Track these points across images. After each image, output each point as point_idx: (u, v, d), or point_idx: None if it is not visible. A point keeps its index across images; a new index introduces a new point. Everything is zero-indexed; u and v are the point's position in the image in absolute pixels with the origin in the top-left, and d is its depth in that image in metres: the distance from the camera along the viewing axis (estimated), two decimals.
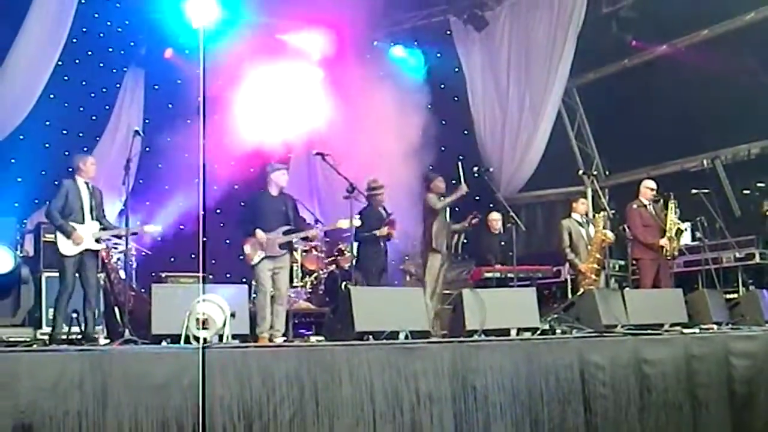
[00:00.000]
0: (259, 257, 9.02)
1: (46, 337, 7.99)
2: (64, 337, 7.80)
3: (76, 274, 8.26)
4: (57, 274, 8.89)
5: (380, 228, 9.79)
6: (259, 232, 9.00)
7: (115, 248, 10.75)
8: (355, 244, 9.90)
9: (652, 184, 10.88)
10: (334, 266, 12.05)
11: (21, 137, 11.86)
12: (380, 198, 10.07)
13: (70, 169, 8.68)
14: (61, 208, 8.43)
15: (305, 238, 10.13)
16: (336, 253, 12.15)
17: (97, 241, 8.45)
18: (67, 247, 8.28)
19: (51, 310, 8.53)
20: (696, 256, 11.39)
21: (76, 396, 5.03)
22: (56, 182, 12.53)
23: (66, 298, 8.18)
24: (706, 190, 10.93)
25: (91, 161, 8.70)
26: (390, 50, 15.31)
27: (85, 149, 12.85)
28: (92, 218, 8.49)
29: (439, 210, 10.24)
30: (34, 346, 7.06)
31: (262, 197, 9.35)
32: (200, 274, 10.00)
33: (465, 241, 13.96)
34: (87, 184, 8.62)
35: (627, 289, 9.84)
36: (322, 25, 13.76)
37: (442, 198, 10.33)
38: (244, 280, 10.37)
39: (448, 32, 14.93)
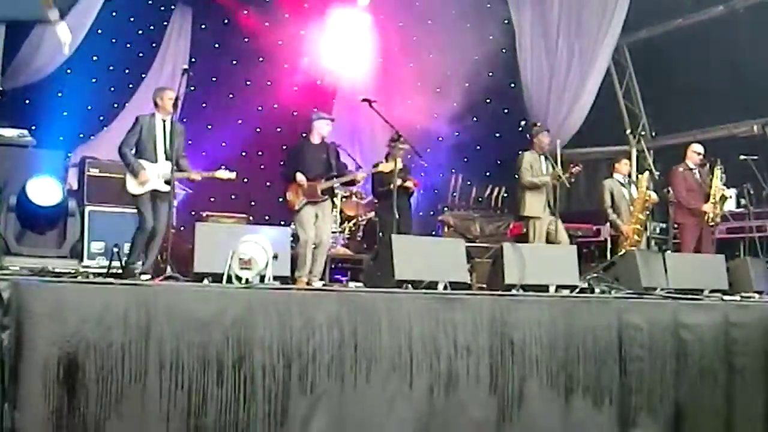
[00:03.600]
0: (302, 203, 9.08)
1: (89, 270, 8.11)
2: (110, 270, 7.91)
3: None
4: (100, 208, 9.04)
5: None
6: (299, 176, 9.06)
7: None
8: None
9: (699, 148, 10.76)
10: (373, 213, 12.09)
11: (68, 71, 11.93)
12: (396, 153, 9.71)
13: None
14: (133, 145, 8.32)
15: (349, 183, 9.99)
16: (376, 200, 12.18)
17: (167, 182, 8.23)
18: (133, 185, 8.23)
19: (94, 244, 8.67)
20: (740, 223, 11.27)
21: (120, 328, 5.10)
22: (101, 117, 12.86)
23: (141, 234, 8.17)
24: (755, 157, 10.76)
25: (170, 95, 8.44)
26: None
27: (131, 86, 13.08)
28: (166, 158, 8.32)
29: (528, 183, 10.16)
30: (79, 278, 7.18)
31: (304, 144, 9.39)
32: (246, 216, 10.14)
33: (505, 194, 13.95)
34: (164, 121, 8.44)
35: (668, 252, 9.77)
36: None
37: (539, 158, 10.20)
38: (282, 223, 10.48)
39: None
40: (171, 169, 8.05)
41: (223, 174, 8.76)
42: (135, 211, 8.43)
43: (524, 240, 10.14)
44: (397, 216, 8.96)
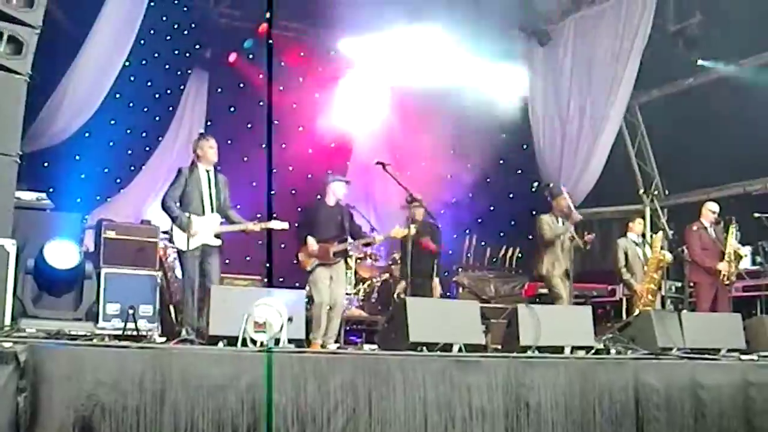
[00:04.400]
0: (314, 264, 9.10)
1: (104, 332, 8.11)
2: (125, 333, 7.92)
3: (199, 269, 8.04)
4: (116, 270, 9.07)
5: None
6: (310, 240, 9.07)
7: (172, 247, 10.92)
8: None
9: (714, 206, 10.75)
10: (387, 275, 12.10)
11: (87, 134, 12.08)
12: (414, 213, 9.80)
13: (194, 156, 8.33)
14: (177, 197, 8.08)
15: (365, 245, 9.94)
16: (390, 262, 12.21)
17: (217, 236, 8.14)
18: (182, 240, 7.98)
19: (110, 305, 8.66)
20: (756, 281, 11.23)
21: (135, 392, 5.10)
22: (118, 179, 12.99)
23: (191, 295, 7.95)
24: None
25: (210, 145, 8.29)
26: None
27: (147, 149, 13.22)
28: (212, 210, 8.18)
29: (551, 237, 10.20)
30: (95, 340, 7.19)
31: (319, 206, 9.43)
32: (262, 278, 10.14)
33: (519, 254, 13.94)
34: (208, 171, 8.29)
35: (684, 311, 9.72)
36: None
37: (557, 220, 10.27)
38: (297, 285, 10.48)
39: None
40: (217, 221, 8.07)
41: (277, 224, 8.52)
42: (150, 273, 8.44)
43: (543, 300, 10.13)
44: (409, 277, 9.00)
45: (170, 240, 8.27)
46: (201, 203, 8.14)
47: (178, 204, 8.11)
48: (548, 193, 10.73)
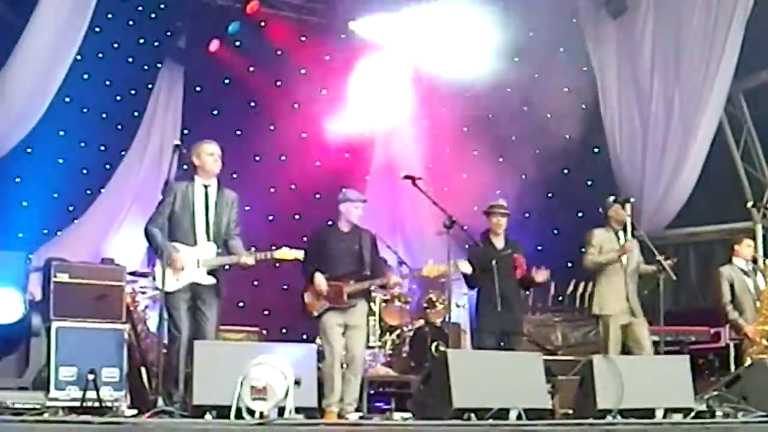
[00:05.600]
0: (322, 308, 9.05)
1: (57, 404, 8.15)
2: (84, 404, 7.96)
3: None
4: (71, 324, 9.14)
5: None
6: (317, 277, 8.98)
7: (143, 292, 10.98)
8: (465, 296, 9.81)
9: None
10: (422, 321, 12.09)
11: (28, 150, 12.18)
12: (498, 222, 9.78)
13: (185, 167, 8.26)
14: (163, 223, 7.92)
15: (382, 286, 9.89)
16: (426, 305, 12.20)
17: (211, 273, 8.08)
18: (167, 278, 7.85)
19: (64, 370, 8.71)
20: None
21: None
22: (70, 207, 13.08)
23: (178, 352, 7.89)
24: None
25: (209, 151, 8.17)
26: None
27: (108, 166, 13.32)
28: (208, 237, 8.15)
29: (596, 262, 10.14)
30: (46, 415, 7.24)
31: (330, 233, 9.39)
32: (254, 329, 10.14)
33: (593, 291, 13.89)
34: (207, 187, 8.24)
35: None
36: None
37: (616, 237, 10.21)
38: (305, 337, 10.52)
39: (573, 20, 14.95)
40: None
41: (288, 253, 8.48)
42: (114, 327, 8.48)
43: (627, 350, 10.09)
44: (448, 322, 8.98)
45: (153, 278, 8.25)
46: (192, 229, 8.09)
47: (161, 230, 7.94)
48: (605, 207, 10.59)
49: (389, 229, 13.14)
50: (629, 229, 10.33)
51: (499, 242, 9.73)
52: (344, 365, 9.03)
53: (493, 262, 9.35)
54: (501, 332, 9.38)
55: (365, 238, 9.34)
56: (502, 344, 9.30)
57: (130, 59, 13.69)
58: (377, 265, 9.40)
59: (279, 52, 14.32)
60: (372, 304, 10.60)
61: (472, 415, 6.96)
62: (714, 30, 13.66)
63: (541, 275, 9.84)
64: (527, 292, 10.55)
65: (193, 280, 8.06)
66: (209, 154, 8.16)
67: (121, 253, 11.84)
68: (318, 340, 9.36)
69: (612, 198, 10.64)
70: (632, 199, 10.81)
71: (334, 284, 9.03)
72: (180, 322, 8.01)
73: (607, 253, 10.06)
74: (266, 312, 13.32)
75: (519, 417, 7.04)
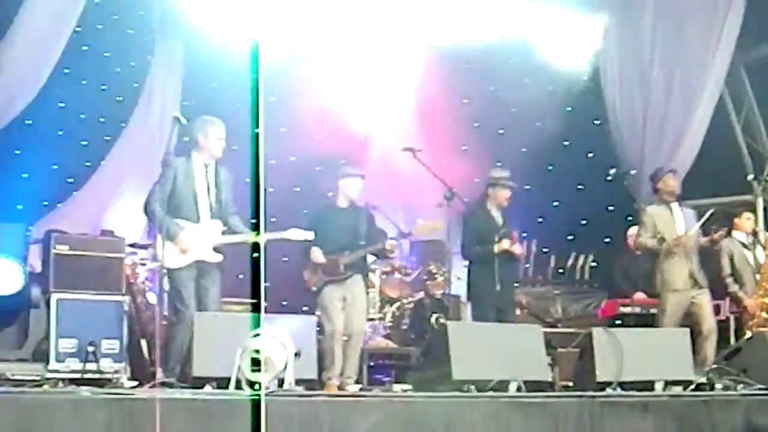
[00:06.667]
0: (320, 283, 9.08)
1: (57, 375, 8.16)
2: (84, 376, 7.96)
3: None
4: (71, 296, 9.14)
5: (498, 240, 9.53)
6: (314, 252, 9.04)
7: (143, 264, 10.96)
8: (463, 266, 9.81)
9: None
10: (422, 293, 12.09)
11: (28, 122, 12.13)
12: (501, 196, 9.82)
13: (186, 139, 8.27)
14: (164, 199, 7.97)
15: (378, 254, 9.91)
16: (425, 277, 12.19)
17: (216, 250, 8.12)
18: (171, 255, 7.96)
19: (64, 341, 8.71)
20: None
21: None
22: (70, 179, 13.03)
23: (180, 328, 7.91)
24: None
25: (218, 134, 8.19)
26: None
27: (107, 138, 13.27)
28: (212, 216, 8.17)
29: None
30: (46, 386, 7.25)
31: (328, 209, 9.42)
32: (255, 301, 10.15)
33: (593, 263, 13.88)
34: (206, 166, 8.27)
35: None
36: None
37: (669, 210, 10.16)
38: (305, 310, 10.51)
39: None
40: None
41: (298, 233, 8.47)
42: (114, 298, 8.48)
43: (626, 322, 10.08)
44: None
45: (154, 257, 8.24)
46: (195, 207, 8.12)
47: (163, 207, 7.99)
48: (651, 178, 10.49)
49: (390, 201, 13.10)
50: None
51: (499, 217, 9.70)
52: (345, 338, 9.05)
53: (496, 238, 9.35)
54: (497, 309, 9.37)
55: (363, 214, 9.39)
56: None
57: (130, 30, 13.57)
58: (374, 239, 9.47)
59: None
60: (371, 274, 10.58)
61: (472, 387, 6.96)
62: (716, 2, 13.60)
63: (518, 248, 9.82)
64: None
65: (200, 258, 8.07)
66: (218, 138, 8.17)
67: (121, 225, 11.81)
68: (318, 313, 9.36)
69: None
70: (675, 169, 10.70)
71: (331, 257, 9.05)
72: (189, 300, 8.01)
73: (660, 240, 9.95)
74: (267, 284, 13.27)
75: (519, 389, 7.06)
